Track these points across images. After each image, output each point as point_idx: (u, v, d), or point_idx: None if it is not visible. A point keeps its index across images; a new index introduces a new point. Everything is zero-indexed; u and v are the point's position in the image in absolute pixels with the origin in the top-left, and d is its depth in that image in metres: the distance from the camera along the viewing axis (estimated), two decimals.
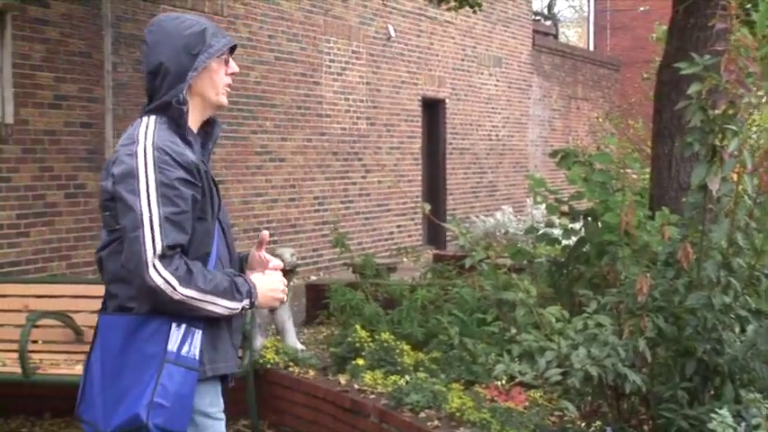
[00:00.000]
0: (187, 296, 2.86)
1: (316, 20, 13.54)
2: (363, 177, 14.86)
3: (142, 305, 2.92)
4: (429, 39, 16.71)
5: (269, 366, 6.67)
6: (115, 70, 10.07)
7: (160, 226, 2.85)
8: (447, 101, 17.43)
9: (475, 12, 12.49)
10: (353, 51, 14.51)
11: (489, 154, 18.97)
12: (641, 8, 25.68)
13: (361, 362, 6.35)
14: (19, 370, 6.21)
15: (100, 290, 3.21)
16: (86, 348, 3.26)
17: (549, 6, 25.69)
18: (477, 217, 16.61)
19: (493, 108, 19.07)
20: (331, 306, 8.19)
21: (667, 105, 7.97)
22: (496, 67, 19.16)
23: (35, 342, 6.60)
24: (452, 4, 12.04)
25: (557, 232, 7.43)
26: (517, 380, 5.62)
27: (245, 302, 3.01)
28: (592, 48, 29.17)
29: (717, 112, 5.34)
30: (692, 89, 5.24)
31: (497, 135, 19.28)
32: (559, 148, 7.90)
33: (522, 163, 20.21)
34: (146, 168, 2.88)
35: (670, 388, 4.82)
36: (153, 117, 3.00)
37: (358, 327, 6.89)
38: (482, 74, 18.62)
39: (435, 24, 16.73)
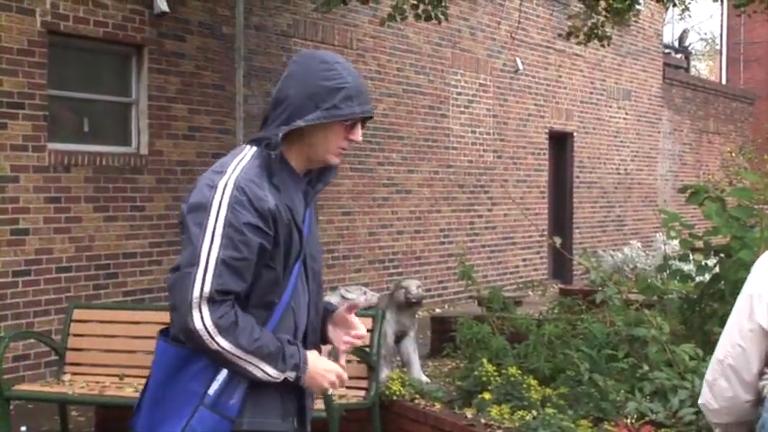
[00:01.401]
0: (224, 349, 2.72)
1: (444, 53, 13.59)
2: (489, 210, 14.79)
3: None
4: (557, 71, 16.60)
5: (395, 398, 6.65)
6: (246, 102, 10.27)
7: (215, 268, 2.71)
8: (575, 134, 17.26)
9: (603, 45, 12.36)
10: (481, 84, 14.50)
11: (617, 188, 18.70)
12: None
13: (487, 396, 6.28)
14: None
15: None
16: None
17: (681, 39, 25.24)
18: (605, 251, 16.35)
19: (621, 141, 18.80)
20: (457, 339, 8.14)
21: None
22: (626, 100, 18.90)
23: None
24: (581, 38, 11.95)
25: (690, 268, 7.24)
26: (647, 418, 5.47)
27: (290, 374, 2.82)
28: (724, 81, 28.55)
29: None
30: None
31: (626, 169, 18.99)
32: (690, 182, 7.71)
33: (650, 197, 19.85)
34: (219, 205, 2.76)
35: None
36: (253, 149, 2.89)
37: (484, 360, 6.82)
38: (611, 107, 18.39)
39: (563, 57, 16.61)
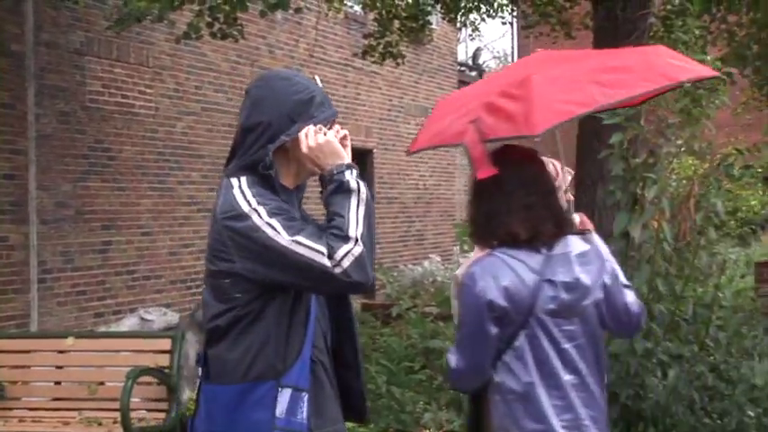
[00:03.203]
0: (360, 235, 2.85)
1: (242, 70, 13.56)
2: None
3: (246, 369, 2.88)
4: (356, 89, 16.83)
5: None
6: (38, 122, 9.97)
7: (305, 238, 2.84)
8: (375, 150, 17.53)
9: (398, 64, 12.65)
10: None
11: (417, 203, 19.09)
12: None
13: None
14: None
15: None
16: None
17: (474, 57, 26.04)
18: (406, 266, 16.65)
19: (420, 157, 19.20)
20: None
21: (589, 154, 8.12)
22: (423, 116, 19.31)
23: None
24: (377, 56, 12.20)
25: None
26: (445, 428, 5.63)
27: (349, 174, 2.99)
28: None
29: (637, 161, 5.45)
30: (614, 139, 5.36)
31: (425, 184, 19.41)
32: None
33: (449, 211, 20.35)
34: (260, 219, 2.86)
35: None
36: (243, 179, 2.98)
37: None
38: (409, 124, 18.77)
39: (362, 75, 16.87)
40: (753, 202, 18.68)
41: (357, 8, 14.73)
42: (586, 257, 3.26)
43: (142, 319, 10.30)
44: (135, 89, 11.29)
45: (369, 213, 2.90)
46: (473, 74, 24.97)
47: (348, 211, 2.87)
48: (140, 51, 11.48)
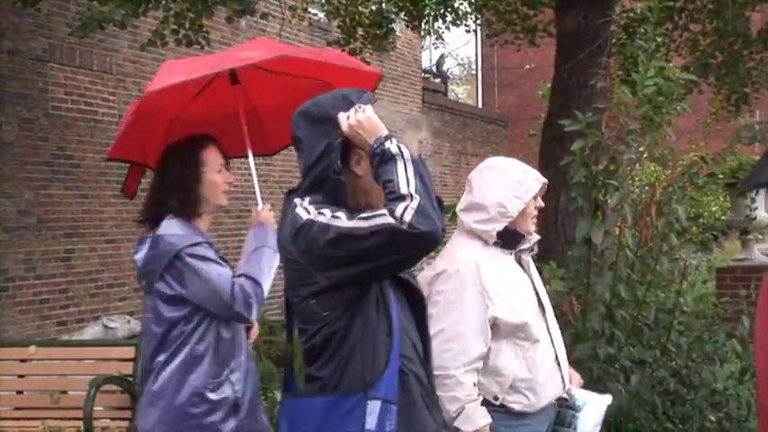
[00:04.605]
0: (414, 189, 2.82)
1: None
2: None
3: (336, 383, 2.89)
4: None
5: None
6: (0, 129, 9.90)
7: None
8: None
9: None
10: None
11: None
12: (527, 66, 26.32)
13: None
14: None
15: None
16: None
17: (438, 65, 26.12)
18: None
19: None
20: None
21: (552, 161, 8.18)
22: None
23: None
24: None
25: None
26: None
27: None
28: (481, 104, 29.71)
29: (599, 167, 5.50)
30: (576, 146, 5.40)
31: None
32: (451, 203, 8.01)
33: None
34: (323, 217, 2.88)
35: None
36: (306, 198, 2.98)
37: None
38: None
39: None
40: (714, 209, 18.85)
41: (321, 15, 14.73)
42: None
43: (105, 327, 10.25)
44: (98, 96, 11.23)
45: (418, 171, 2.85)
46: (437, 81, 25.05)
47: (396, 175, 2.83)
48: (103, 58, 11.43)
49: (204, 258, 4.05)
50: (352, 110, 2.97)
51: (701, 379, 5.84)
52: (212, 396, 4.00)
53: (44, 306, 10.34)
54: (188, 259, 4.05)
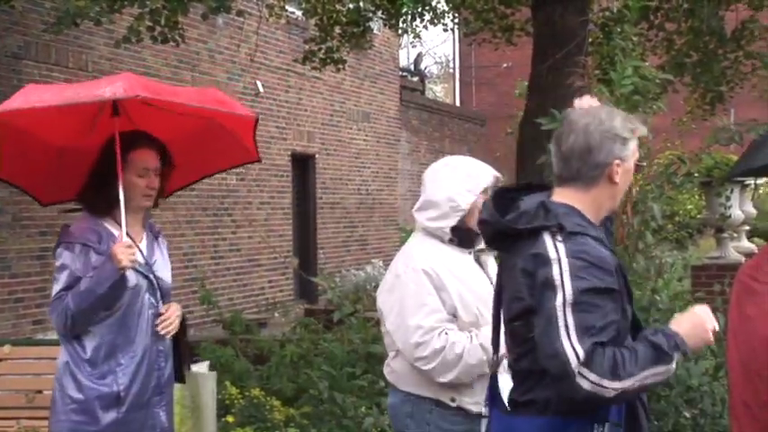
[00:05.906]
0: (622, 388, 2.80)
1: (183, 75, 13.49)
2: (234, 233, 14.77)
3: (553, 405, 2.90)
4: (298, 94, 16.81)
5: None
6: None
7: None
8: (317, 156, 17.52)
9: (339, 69, 12.67)
10: None
11: (359, 208, 19.11)
12: (504, 65, 26.36)
13: (231, 419, 6.31)
14: None
15: None
16: None
17: (416, 63, 26.13)
18: (348, 270, 16.66)
19: (362, 163, 19.24)
20: None
21: (529, 160, 8.19)
22: (365, 122, 19.37)
23: None
24: (317, 62, 12.21)
25: None
26: None
27: (677, 356, 2.92)
28: (458, 103, 29.75)
29: None
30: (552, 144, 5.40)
31: (367, 189, 19.44)
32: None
33: (391, 216, 20.40)
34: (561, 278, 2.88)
35: None
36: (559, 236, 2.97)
37: (228, 383, 6.84)
38: (351, 129, 18.79)
39: (303, 80, 16.84)
40: (689, 207, 18.95)
41: (298, 13, 14.71)
42: None
43: None
44: None
45: (650, 383, 2.89)
46: (415, 79, 25.07)
47: (644, 368, 2.85)
48: (79, 56, 11.37)
49: (61, 266, 4.22)
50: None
51: (675, 376, 5.86)
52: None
53: (19, 305, 10.29)
54: (56, 255, 4.28)
